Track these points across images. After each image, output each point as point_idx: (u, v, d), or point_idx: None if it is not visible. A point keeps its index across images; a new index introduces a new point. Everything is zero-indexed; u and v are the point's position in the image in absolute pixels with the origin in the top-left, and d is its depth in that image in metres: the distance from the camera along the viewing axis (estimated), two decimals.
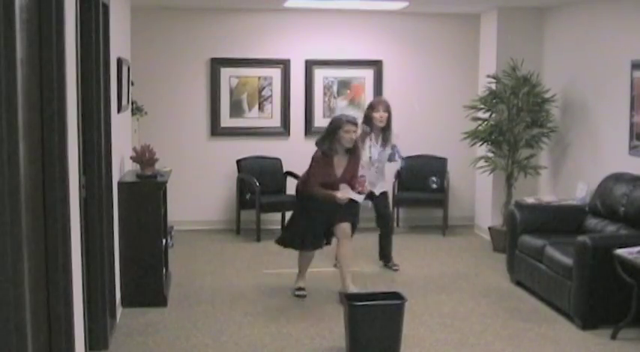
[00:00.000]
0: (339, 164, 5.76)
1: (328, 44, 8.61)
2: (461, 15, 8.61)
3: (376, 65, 8.69)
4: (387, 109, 6.52)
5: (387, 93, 8.71)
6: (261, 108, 8.58)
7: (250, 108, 8.56)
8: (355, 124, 5.73)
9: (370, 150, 6.47)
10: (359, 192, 5.84)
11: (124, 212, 5.49)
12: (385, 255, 6.81)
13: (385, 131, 6.54)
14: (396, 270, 6.66)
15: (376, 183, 6.55)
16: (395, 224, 8.48)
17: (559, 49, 7.63)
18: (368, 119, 6.52)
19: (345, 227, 5.75)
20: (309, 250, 5.92)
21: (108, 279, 4.82)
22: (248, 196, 8.02)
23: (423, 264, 6.95)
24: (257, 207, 7.89)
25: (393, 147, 6.57)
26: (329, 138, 5.72)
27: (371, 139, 6.51)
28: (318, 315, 5.46)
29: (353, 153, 5.78)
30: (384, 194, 6.70)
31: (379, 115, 6.46)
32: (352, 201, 5.74)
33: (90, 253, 4.36)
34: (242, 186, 8.20)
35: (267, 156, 8.44)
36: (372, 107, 6.57)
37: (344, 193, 5.68)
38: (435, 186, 6.92)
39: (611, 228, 5.78)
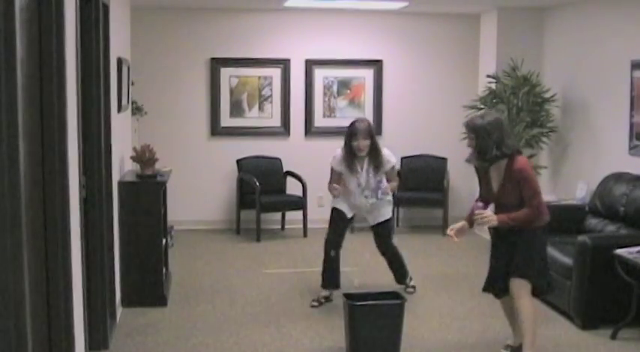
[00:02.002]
0: (495, 176, 4.50)
1: (328, 44, 8.61)
2: (461, 15, 8.61)
3: (376, 65, 8.69)
4: (369, 135, 5.55)
5: (387, 94, 8.74)
6: (261, 108, 8.58)
7: (250, 108, 8.56)
8: (471, 129, 4.52)
9: (358, 176, 5.62)
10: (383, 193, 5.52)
11: (124, 212, 5.49)
12: (399, 278, 6.04)
13: (375, 157, 5.60)
14: (411, 292, 5.91)
15: (372, 212, 5.77)
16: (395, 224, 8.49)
17: (559, 49, 7.63)
18: (347, 146, 5.59)
19: (518, 285, 4.43)
20: (489, 292, 4.71)
21: (108, 279, 4.82)
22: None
23: (423, 264, 6.94)
24: (257, 207, 7.89)
25: (379, 182, 5.66)
26: None
27: (361, 164, 5.62)
28: (318, 315, 5.46)
29: (509, 164, 4.38)
30: (384, 223, 5.84)
31: (358, 144, 5.52)
32: (530, 249, 4.42)
33: (90, 253, 4.36)
34: (242, 186, 8.20)
35: (267, 156, 8.45)
36: (350, 134, 5.56)
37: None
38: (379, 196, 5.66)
39: (611, 228, 5.78)
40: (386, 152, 5.69)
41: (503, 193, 4.43)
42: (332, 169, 5.71)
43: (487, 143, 4.37)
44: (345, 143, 5.60)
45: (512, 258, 4.44)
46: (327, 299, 5.73)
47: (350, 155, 5.58)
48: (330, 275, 5.75)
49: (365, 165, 5.62)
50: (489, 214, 4.45)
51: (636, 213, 5.52)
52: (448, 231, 4.68)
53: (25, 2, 2.82)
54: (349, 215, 5.79)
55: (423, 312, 5.51)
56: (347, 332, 4.60)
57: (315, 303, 5.67)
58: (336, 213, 5.78)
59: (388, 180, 5.73)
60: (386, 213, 5.81)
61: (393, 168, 5.74)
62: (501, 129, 4.40)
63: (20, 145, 2.52)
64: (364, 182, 5.63)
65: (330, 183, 5.68)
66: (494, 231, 4.58)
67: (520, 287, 4.43)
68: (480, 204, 4.55)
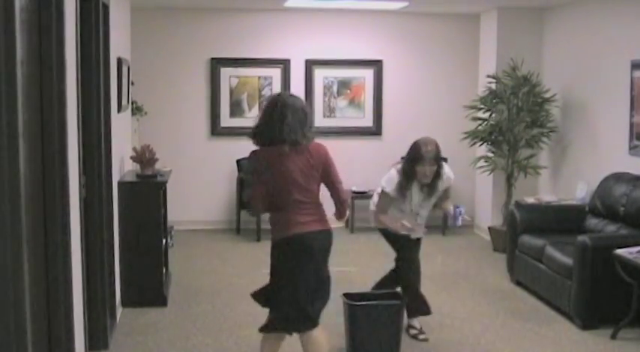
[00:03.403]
0: None
1: (328, 44, 8.61)
2: (461, 15, 8.61)
3: (376, 65, 8.69)
4: (437, 161, 4.75)
5: (387, 94, 8.73)
6: (261, 108, 8.57)
7: (250, 108, 8.57)
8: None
9: (411, 201, 4.92)
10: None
11: (124, 212, 5.49)
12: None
13: (435, 181, 4.83)
14: (424, 340, 4.98)
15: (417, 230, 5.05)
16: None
17: (559, 49, 7.63)
18: (409, 171, 4.76)
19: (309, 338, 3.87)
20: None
21: (108, 279, 4.82)
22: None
23: (423, 264, 6.91)
24: None
25: (456, 207, 5.00)
26: None
27: (416, 187, 4.88)
28: None
29: None
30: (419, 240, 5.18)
31: (425, 171, 4.72)
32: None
33: (90, 253, 4.36)
34: (242, 186, 8.20)
35: None
36: (415, 159, 4.71)
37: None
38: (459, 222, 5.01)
39: (611, 228, 5.79)
40: (446, 171, 4.87)
41: None
42: (384, 194, 4.84)
43: None
44: (406, 168, 4.75)
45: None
46: None
47: (408, 180, 4.77)
48: None
49: (419, 188, 4.85)
50: None
51: (636, 213, 5.52)
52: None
53: (25, 2, 2.82)
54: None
55: None
56: (347, 332, 4.60)
57: None
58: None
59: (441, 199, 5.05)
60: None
61: (449, 188, 5.03)
62: (275, 111, 3.78)
63: (20, 145, 2.52)
64: (417, 206, 4.94)
65: (380, 211, 4.88)
66: None
67: (319, 341, 3.87)
68: None
